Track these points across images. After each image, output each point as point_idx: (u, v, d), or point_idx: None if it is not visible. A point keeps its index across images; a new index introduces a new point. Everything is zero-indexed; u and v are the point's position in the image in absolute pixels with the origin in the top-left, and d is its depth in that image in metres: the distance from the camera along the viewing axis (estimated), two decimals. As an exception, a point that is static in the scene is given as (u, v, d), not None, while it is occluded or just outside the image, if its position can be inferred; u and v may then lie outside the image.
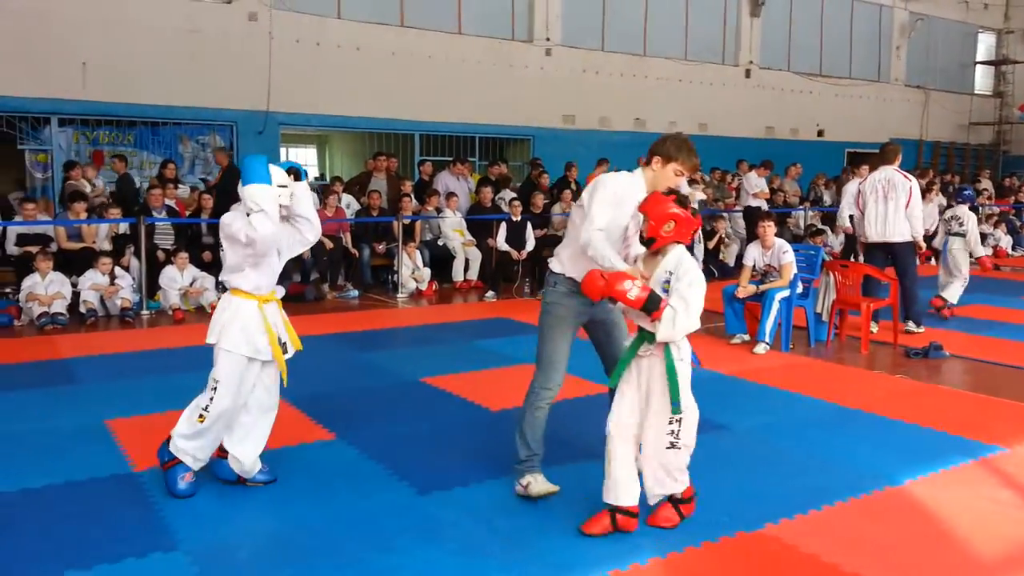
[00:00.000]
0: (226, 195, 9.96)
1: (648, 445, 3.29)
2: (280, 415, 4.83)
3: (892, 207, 7.19)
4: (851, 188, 8.13)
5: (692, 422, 3.29)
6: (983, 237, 14.21)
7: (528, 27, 14.66)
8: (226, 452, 3.73)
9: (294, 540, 3.26)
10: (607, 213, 3.45)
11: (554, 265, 3.71)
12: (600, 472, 3.39)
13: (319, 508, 3.54)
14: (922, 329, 7.38)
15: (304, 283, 9.53)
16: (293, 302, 8.92)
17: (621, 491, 3.29)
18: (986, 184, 16.93)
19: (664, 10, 16.16)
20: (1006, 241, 14.86)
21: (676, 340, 3.21)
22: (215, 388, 3.60)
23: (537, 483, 3.65)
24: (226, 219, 3.63)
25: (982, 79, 22.78)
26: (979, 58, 22.54)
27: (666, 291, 3.22)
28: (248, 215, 3.52)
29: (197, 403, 3.63)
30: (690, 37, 16.59)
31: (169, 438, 3.66)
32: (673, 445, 3.26)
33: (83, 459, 4.11)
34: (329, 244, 9.76)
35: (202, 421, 3.58)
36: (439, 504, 3.59)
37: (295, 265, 9.68)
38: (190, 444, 3.62)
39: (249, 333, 3.64)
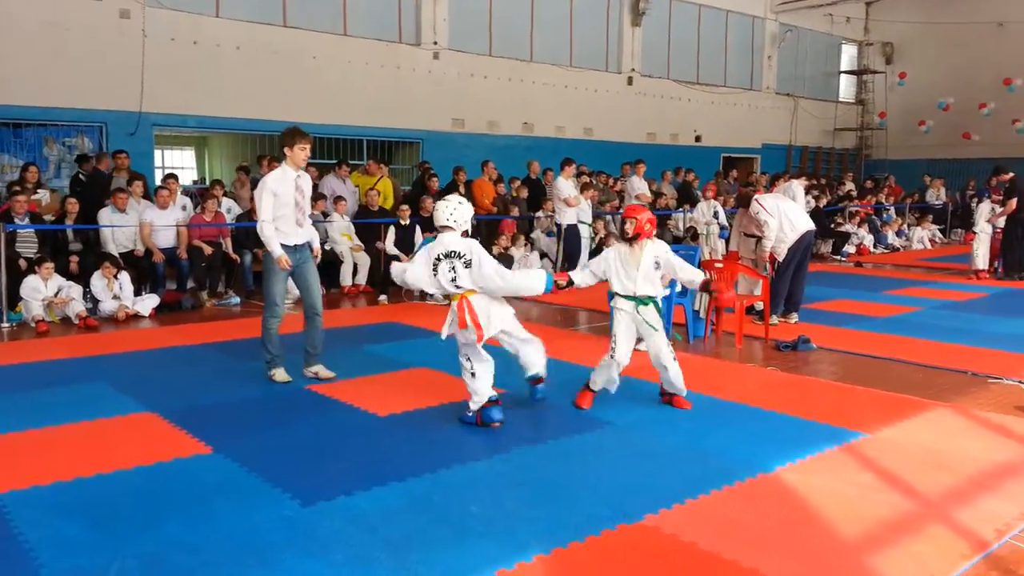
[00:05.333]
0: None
1: (668, 358, 4.98)
2: (152, 429, 4.64)
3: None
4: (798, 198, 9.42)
5: None
6: (847, 236, 15.24)
7: (415, 30, 14.60)
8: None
9: (169, 560, 3.12)
10: (268, 206, 5.47)
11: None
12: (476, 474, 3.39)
13: (196, 526, 3.40)
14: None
15: (180, 291, 9.14)
16: (168, 311, 8.55)
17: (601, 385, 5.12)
18: (850, 186, 18.04)
19: (549, 17, 16.44)
20: (868, 240, 15.90)
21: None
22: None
23: (279, 374, 5.68)
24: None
25: (845, 88, 24.30)
26: (843, 68, 24.04)
27: (657, 268, 4.93)
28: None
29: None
30: (575, 44, 16.94)
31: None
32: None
33: (-69, 485, 3.79)
34: (208, 249, 9.40)
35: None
36: (323, 515, 3.51)
37: (170, 272, 9.28)
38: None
39: None
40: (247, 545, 3.23)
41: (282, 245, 5.56)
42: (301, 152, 5.55)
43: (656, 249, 5.00)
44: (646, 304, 4.95)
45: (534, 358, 4.86)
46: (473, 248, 4.62)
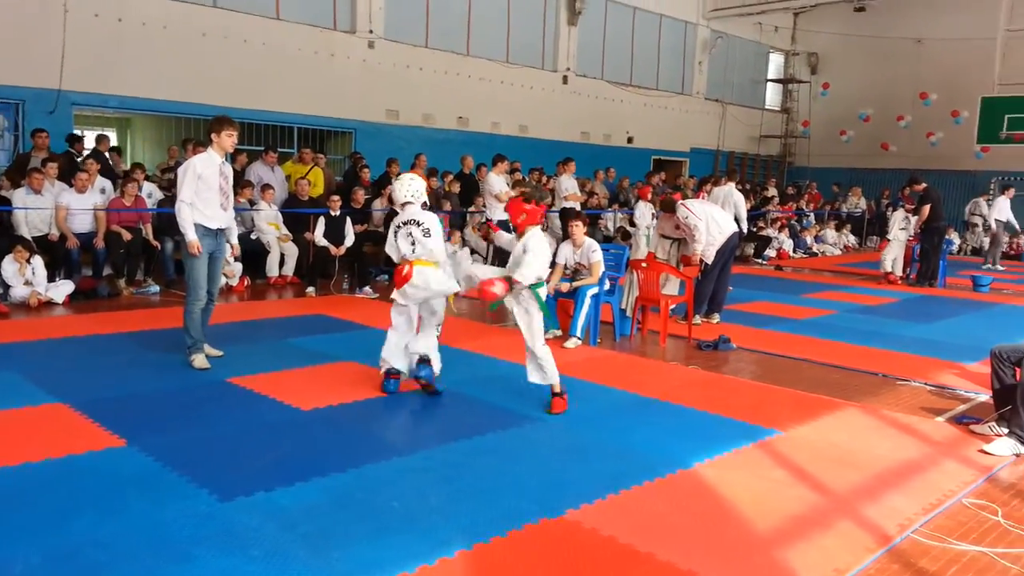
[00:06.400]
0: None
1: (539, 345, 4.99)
2: (63, 421, 4.49)
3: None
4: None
5: None
6: (768, 240, 15.70)
7: (351, 17, 14.38)
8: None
9: (79, 555, 3.02)
10: (191, 187, 5.60)
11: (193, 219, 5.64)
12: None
13: (108, 520, 3.30)
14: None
15: (96, 278, 8.81)
16: (84, 299, 8.24)
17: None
18: (772, 192, 18.58)
19: (486, 11, 16.40)
20: (788, 244, 16.42)
21: (527, 284, 4.92)
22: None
23: (199, 359, 5.75)
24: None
25: (772, 96, 24.99)
26: (769, 76, 24.73)
27: (524, 252, 4.92)
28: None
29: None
30: (511, 40, 16.95)
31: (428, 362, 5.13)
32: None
33: None
34: (127, 235, 9.08)
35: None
36: (242, 510, 3.45)
37: (85, 257, 8.93)
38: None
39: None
40: (161, 540, 3.16)
41: (203, 227, 5.71)
42: (228, 139, 5.75)
43: (527, 240, 5.04)
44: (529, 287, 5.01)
45: (425, 343, 5.20)
46: (431, 220, 5.10)
